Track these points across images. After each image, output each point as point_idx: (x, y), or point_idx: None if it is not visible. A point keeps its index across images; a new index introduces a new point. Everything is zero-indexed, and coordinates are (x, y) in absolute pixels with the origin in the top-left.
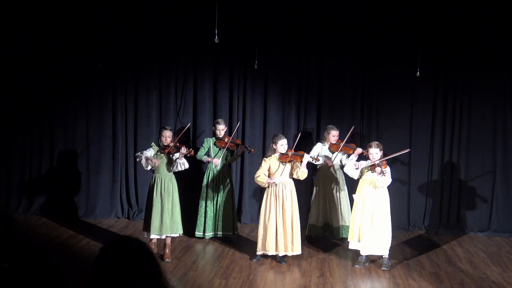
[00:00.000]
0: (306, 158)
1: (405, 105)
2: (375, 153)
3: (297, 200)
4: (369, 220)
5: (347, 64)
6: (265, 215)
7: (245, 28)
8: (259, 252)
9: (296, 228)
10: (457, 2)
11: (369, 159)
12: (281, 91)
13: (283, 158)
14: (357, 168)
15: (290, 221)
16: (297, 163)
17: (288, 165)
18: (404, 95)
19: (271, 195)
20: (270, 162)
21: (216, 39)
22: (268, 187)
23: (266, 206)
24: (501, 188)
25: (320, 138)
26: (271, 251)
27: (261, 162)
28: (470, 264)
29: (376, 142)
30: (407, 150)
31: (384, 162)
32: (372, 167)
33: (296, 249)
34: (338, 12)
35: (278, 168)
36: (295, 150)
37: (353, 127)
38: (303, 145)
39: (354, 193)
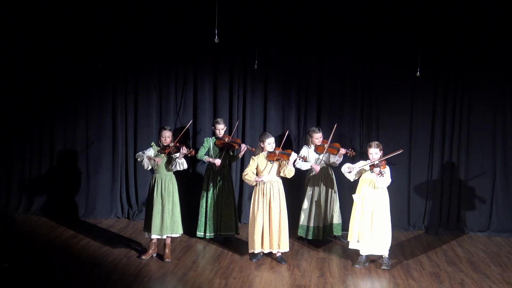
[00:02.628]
0: (293, 156)
1: (405, 105)
2: (374, 153)
3: (285, 198)
4: (369, 220)
5: (347, 64)
6: (252, 213)
7: (245, 28)
8: (250, 251)
9: (284, 225)
10: (457, 2)
11: (368, 158)
12: (281, 91)
13: (270, 156)
14: (349, 172)
15: (277, 219)
16: (284, 161)
17: (276, 164)
18: (404, 95)
19: (258, 193)
20: (258, 161)
21: (216, 39)
22: (256, 185)
23: (254, 204)
24: (501, 188)
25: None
26: (257, 249)
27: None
28: (470, 264)
29: (376, 142)
30: (400, 151)
31: (383, 162)
32: (371, 167)
33: (283, 246)
34: (338, 12)
35: (266, 167)
36: (282, 149)
37: (335, 125)
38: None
39: (353, 192)
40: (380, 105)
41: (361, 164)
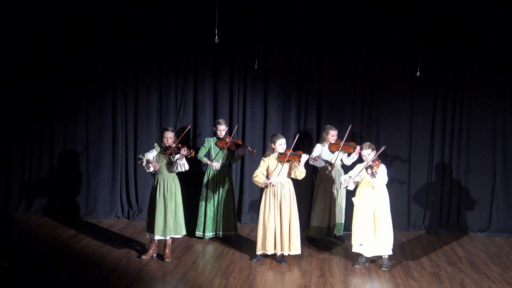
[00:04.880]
0: (304, 157)
1: (405, 105)
2: (367, 154)
3: (296, 200)
4: (371, 221)
5: (347, 64)
6: (264, 214)
7: (245, 28)
8: (258, 252)
9: (294, 227)
10: (457, 2)
11: (364, 160)
12: (281, 91)
13: (281, 157)
14: (346, 186)
15: (287, 221)
16: (295, 162)
17: (286, 165)
18: (404, 95)
19: (269, 194)
20: (269, 162)
21: (216, 39)
22: (267, 186)
23: (265, 206)
24: (501, 188)
25: (320, 138)
26: (270, 251)
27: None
28: (470, 264)
29: (368, 143)
30: (383, 148)
31: (377, 162)
32: (366, 169)
33: (294, 249)
34: (338, 12)
35: (276, 168)
36: (293, 150)
37: (350, 125)
38: (304, 145)
39: (353, 195)
40: (380, 105)
41: (357, 170)
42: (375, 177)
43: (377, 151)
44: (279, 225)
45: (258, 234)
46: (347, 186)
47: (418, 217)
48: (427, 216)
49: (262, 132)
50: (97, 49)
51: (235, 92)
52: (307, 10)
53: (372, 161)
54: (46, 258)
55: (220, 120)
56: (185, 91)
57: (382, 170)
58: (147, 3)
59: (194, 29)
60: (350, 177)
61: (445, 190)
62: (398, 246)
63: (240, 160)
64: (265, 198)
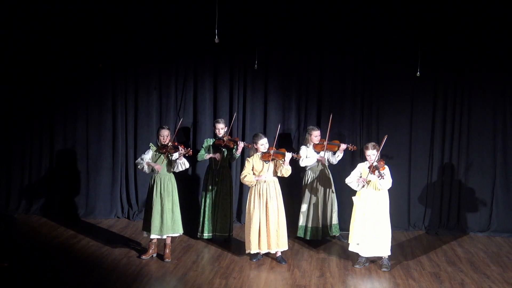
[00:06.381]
0: (288, 155)
1: (405, 105)
2: (372, 154)
3: (282, 198)
4: (371, 222)
5: (347, 64)
6: (248, 213)
7: (245, 28)
8: (246, 251)
9: (282, 225)
10: (457, 2)
11: (366, 160)
12: (281, 91)
13: (265, 157)
14: (363, 186)
15: (274, 219)
16: (279, 161)
17: (271, 163)
18: (404, 95)
19: (255, 194)
20: (253, 162)
21: (216, 39)
22: (253, 186)
23: (250, 205)
24: (501, 188)
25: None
26: (253, 249)
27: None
28: (470, 264)
29: (372, 143)
30: (385, 138)
31: (382, 163)
32: (372, 171)
33: (282, 245)
34: (338, 12)
35: (262, 168)
36: (276, 148)
37: (329, 122)
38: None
39: (353, 194)
40: (380, 105)
41: (364, 171)
42: (383, 178)
43: (380, 148)
44: (264, 223)
45: (245, 234)
46: (364, 186)
47: (418, 217)
48: (427, 216)
49: (262, 132)
50: (97, 49)
51: (235, 92)
52: (307, 10)
53: (377, 162)
54: (46, 258)
55: (219, 120)
56: (185, 91)
57: (387, 172)
58: (147, 3)
59: (194, 29)
60: (361, 177)
61: (445, 190)
62: (398, 246)
63: (240, 160)
64: (251, 197)
